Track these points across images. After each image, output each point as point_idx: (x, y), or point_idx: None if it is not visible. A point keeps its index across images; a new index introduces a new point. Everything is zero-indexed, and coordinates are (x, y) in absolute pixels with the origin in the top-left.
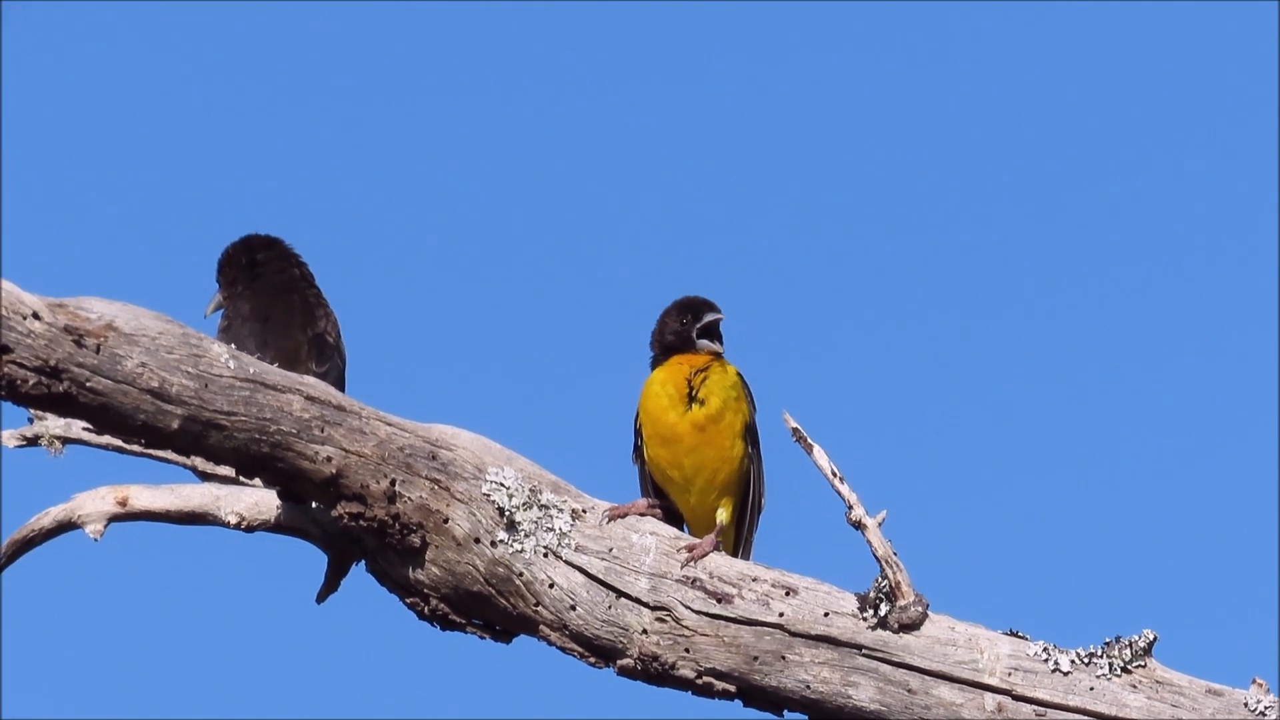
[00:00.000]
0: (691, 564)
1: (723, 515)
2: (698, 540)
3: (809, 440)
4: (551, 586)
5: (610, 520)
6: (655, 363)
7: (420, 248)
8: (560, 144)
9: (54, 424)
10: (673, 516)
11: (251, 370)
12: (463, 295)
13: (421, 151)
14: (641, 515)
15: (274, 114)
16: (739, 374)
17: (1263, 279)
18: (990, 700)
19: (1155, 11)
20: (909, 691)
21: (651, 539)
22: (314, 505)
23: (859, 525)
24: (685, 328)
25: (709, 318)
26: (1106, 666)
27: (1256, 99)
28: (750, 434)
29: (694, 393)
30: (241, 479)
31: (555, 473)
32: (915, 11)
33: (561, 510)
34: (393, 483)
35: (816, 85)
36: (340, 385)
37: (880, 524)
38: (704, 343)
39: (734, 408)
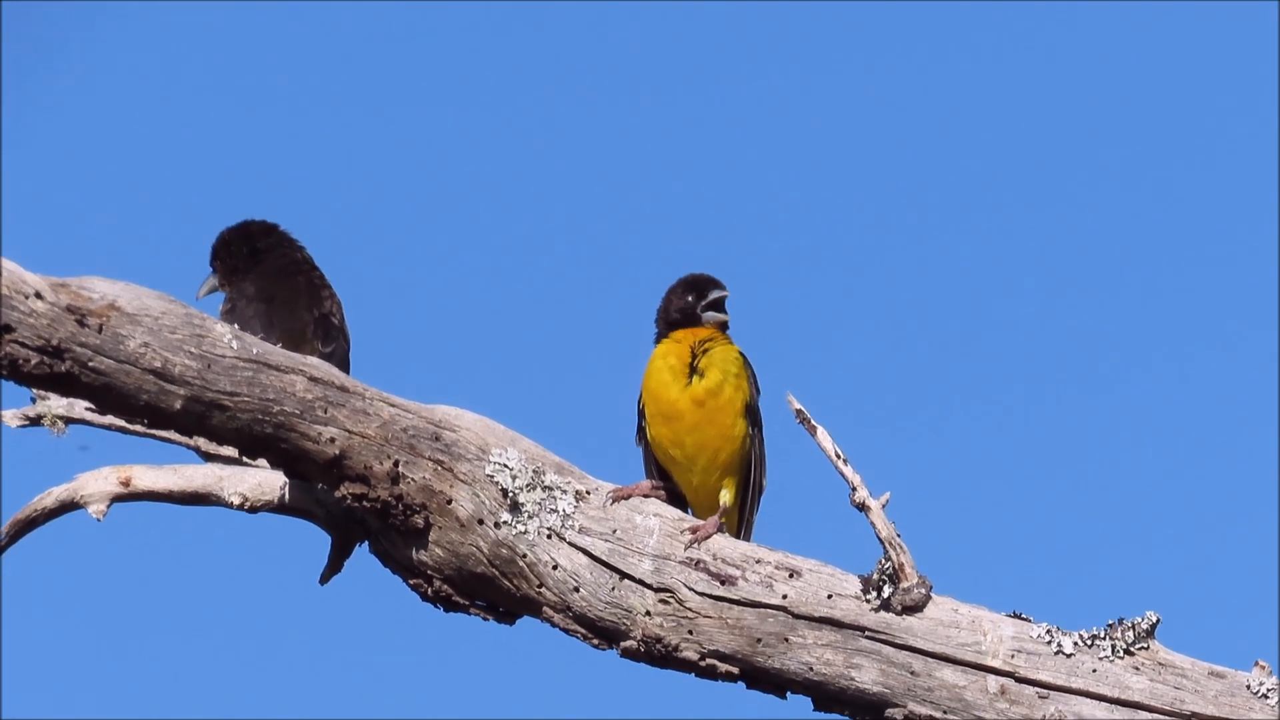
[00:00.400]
0: (695, 546)
1: (726, 497)
2: (701, 522)
3: (813, 422)
4: (555, 568)
5: (614, 502)
6: (659, 340)
7: (423, 230)
8: (561, 127)
9: (56, 404)
10: (677, 498)
11: (254, 351)
12: (466, 277)
13: (419, 136)
14: (645, 497)
15: (273, 97)
16: (741, 353)
17: (1255, 273)
18: (993, 682)
19: (1155, 11)
20: (912, 673)
21: (655, 520)
22: (319, 486)
23: (862, 507)
24: (690, 305)
25: (714, 295)
26: (1109, 649)
27: (1256, 99)
28: (752, 414)
29: (695, 364)
30: (244, 460)
31: (559, 454)
32: (915, 11)
33: (565, 491)
34: (396, 464)
35: (831, 76)
36: (345, 366)
37: (884, 506)
38: (710, 314)
39: (734, 384)
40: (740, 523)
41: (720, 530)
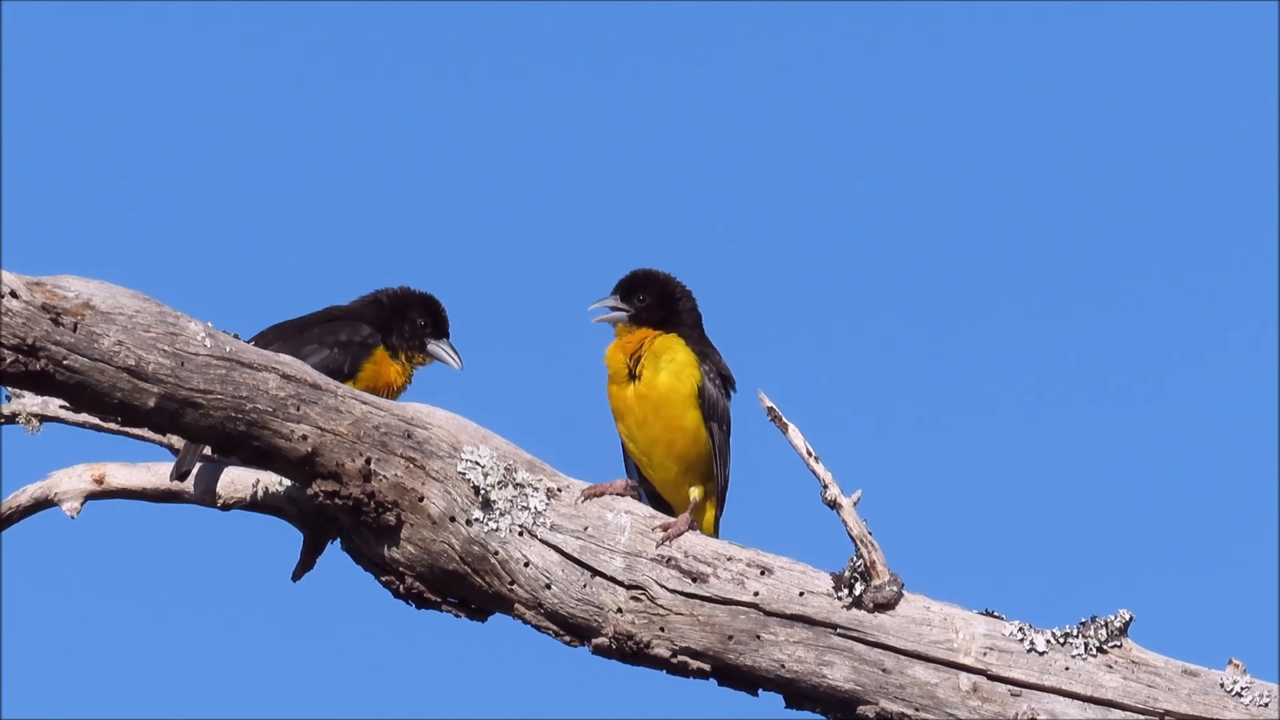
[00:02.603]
0: (667, 543)
1: (695, 493)
2: (672, 519)
3: (784, 419)
4: (527, 565)
5: (586, 499)
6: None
7: (395, 225)
8: (545, 117)
9: (31, 401)
10: (658, 498)
11: (228, 348)
12: (438, 273)
13: (396, 129)
14: (619, 495)
15: (248, 92)
16: (691, 344)
17: (1226, 277)
18: (965, 680)
19: (1155, 11)
20: (884, 671)
21: (626, 518)
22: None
23: (834, 504)
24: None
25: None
26: (1082, 646)
27: (1256, 99)
28: (707, 405)
29: (633, 368)
30: (217, 457)
31: (531, 452)
32: (915, 11)
33: (537, 489)
34: (368, 461)
35: (811, 75)
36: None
37: (855, 503)
38: (613, 317)
39: (673, 371)
40: (712, 518)
41: (692, 527)
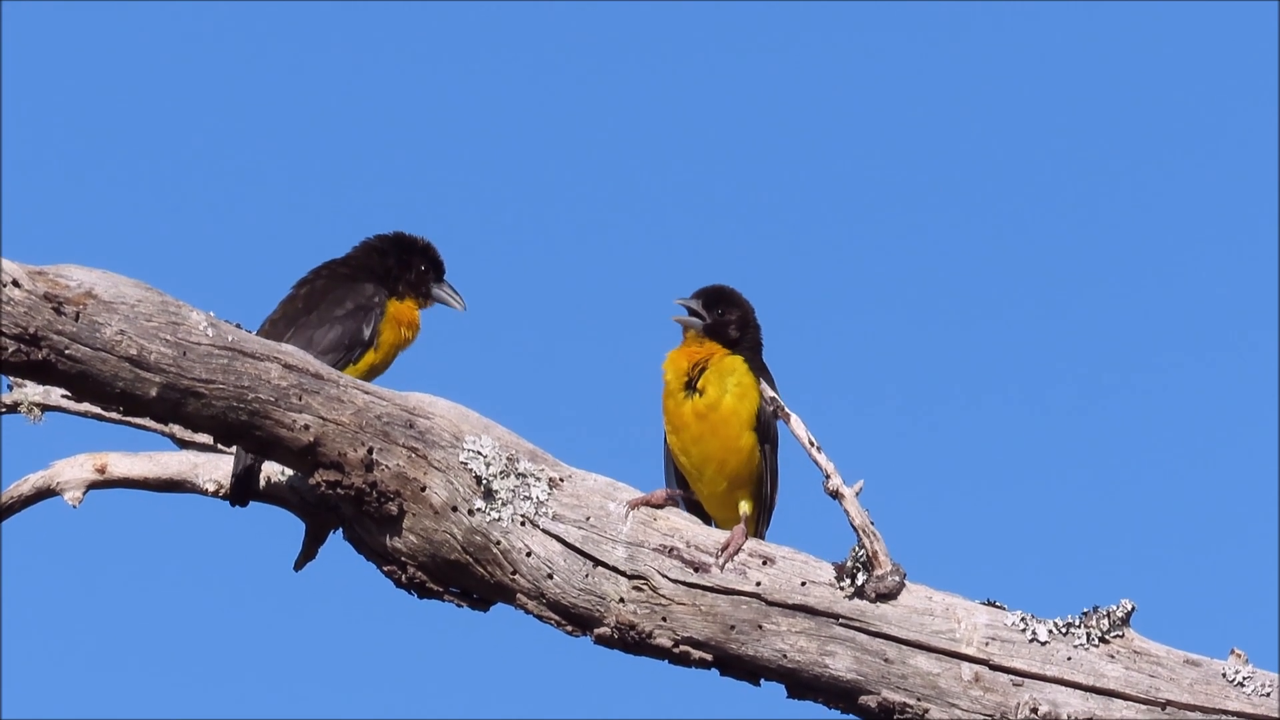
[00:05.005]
0: (719, 555)
1: (746, 507)
2: (728, 536)
3: (786, 409)
4: (529, 555)
5: (631, 510)
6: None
7: (398, 216)
8: (541, 116)
9: (33, 391)
10: (697, 506)
11: (230, 338)
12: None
13: (396, 119)
14: (659, 506)
15: (249, 83)
16: (746, 364)
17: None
18: (968, 670)
19: (1155, 11)
20: (886, 661)
21: (629, 508)
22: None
23: (836, 494)
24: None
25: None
26: (1084, 636)
27: (1257, 99)
28: (762, 427)
29: (693, 381)
30: (219, 446)
31: (533, 442)
32: (916, 11)
33: (539, 479)
34: (370, 451)
35: (827, 77)
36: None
37: (858, 493)
38: (688, 321)
39: (736, 394)
40: (755, 535)
41: (746, 536)
